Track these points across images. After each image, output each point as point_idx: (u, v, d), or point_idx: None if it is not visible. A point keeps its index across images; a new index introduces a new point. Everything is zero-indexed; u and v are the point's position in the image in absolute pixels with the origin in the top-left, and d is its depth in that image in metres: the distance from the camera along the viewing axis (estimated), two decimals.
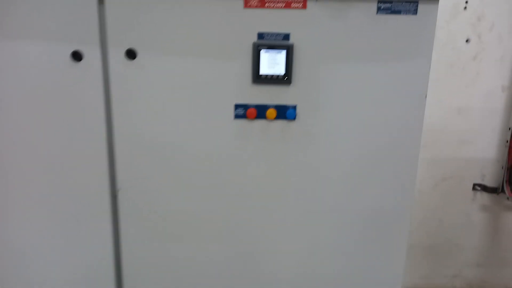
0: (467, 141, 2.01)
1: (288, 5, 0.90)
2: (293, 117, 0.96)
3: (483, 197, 2.09)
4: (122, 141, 0.96)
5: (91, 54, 0.90)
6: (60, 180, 0.98)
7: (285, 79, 0.93)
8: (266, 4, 0.90)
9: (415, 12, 0.91)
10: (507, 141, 1.99)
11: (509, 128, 1.98)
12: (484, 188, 2.05)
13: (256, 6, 0.90)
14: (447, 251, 2.16)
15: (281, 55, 0.92)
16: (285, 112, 0.96)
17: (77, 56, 0.89)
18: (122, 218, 1.00)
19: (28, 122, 0.93)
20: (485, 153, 2.04)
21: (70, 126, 0.94)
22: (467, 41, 1.91)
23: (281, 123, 0.97)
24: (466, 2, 1.88)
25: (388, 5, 0.91)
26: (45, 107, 0.93)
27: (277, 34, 0.91)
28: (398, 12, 0.91)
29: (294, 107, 0.96)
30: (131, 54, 0.90)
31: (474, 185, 2.06)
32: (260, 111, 0.96)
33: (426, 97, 0.97)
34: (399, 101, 0.96)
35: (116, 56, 0.91)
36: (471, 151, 2.03)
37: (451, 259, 2.18)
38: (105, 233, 1.01)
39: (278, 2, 0.90)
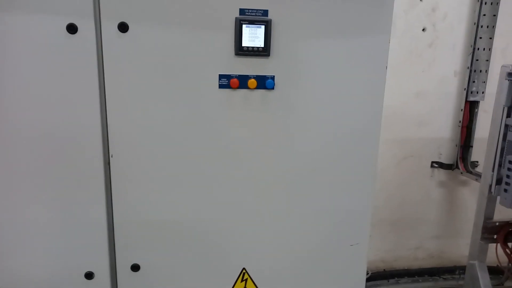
0: (424, 122, 2.19)
1: None
2: (271, 87, 1.07)
3: (440, 174, 2.28)
4: (114, 109, 1.03)
5: (86, 27, 0.97)
6: (54, 151, 1.03)
7: (264, 52, 1.04)
8: None
9: None
10: (459, 122, 2.20)
11: (461, 110, 2.19)
12: (441, 165, 2.24)
13: None
14: (409, 225, 2.34)
15: (261, 30, 1.02)
16: (264, 82, 1.06)
17: (72, 28, 0.96)
18: (114, 182, 1.07)
19: (24, 91, 0.98)
20: (441, 133, 2.23)
21: (65, 96, 1.00)
22: (423, 30, 2.09)
23: (261, 92, 1.07)
24: None
25: None
26: (42, 77, 0.98)
27: (257, 10, 1.02)
28: None
29: (273, 77, 1.07)
30: (123, 27, 0.98)
31: (432, 162, 2.25)
32: (242, 81, 1.06)
33: (386, 68, 1.10)
34: (364, 71, 1.09)
35: (109, 28, 0.98)
36: (429, 132, 2.21)
37: (413, 233, 2.36)
38: (98, 196, 1.07)
39: None
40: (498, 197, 1.66)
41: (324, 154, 1.14)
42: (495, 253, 1.84)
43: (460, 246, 2.37)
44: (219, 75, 1.05)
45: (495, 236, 1.77)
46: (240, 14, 1.02)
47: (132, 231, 1.11)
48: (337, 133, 1.13)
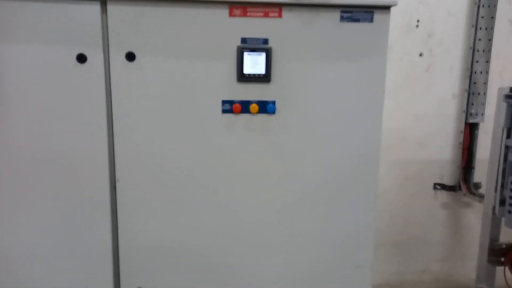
0: (425, 144, 2.21)
1: (266, 14, 1.06)
2: (273, 111, 1.10)
3: (443, 195, 2.28)
4: (121, 134, 1.06)
5: (94, 56, 1.02)
6: (63, 175, 1.06)
7: (265, 78, 1.08)
8: (248, 13, 1.05)
9: (371, 20, 1.09)
10: (460, 143, 2.21)
11: (461, 132, 2.21)
12: (443, 186, 2.24)
13: (240, 15, 1.05)
14: (414, 247, 2.31)
15: (261, 57, 1.07)
16: (266, 107, 1.10)
17: (81, 58, 1.01)
18: (120, 206, 1.09)
19: (34, 118, 1.02)
20: (442, 154, 2.25)
21: (74, 122, 1.04)
22: (420, 54, 2.14)
23: (262, 116, 1.11)
24: (418, 21, 2.12)
25: (349, 14, 1.08)
26: (51, 105, 1.02)
27: (258, 39, 1.07)
28: (357, 20, 1.09)
29: (274, 102, 1.10)
30: (130, 56, 1.03)
31: (435, 184, 2.25)
32: (244, 106, 1.09)
33: (384, 92, 1.14)
34: (363, 95, 1.13)
35: (117, 58, 1.03)
36: (429, 153, 2.23)
37: (418, 255, 2.33)
38: (104, 220, 1.09)
39: (258, 12, 1.05)
40: (503, 219, 1.65)
41: (325, 177, 1.16)
42: (503, 275, 1.81)
43: (467, 269, 2.33)
44: (222, 100, 1.08)
45: (502, 259, 1.75)
46: (241, 43, 1.06)
47: (137, 255, 1.12)
48: (337, 155, 1.15)
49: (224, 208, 1.14)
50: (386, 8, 1.10)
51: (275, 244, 1.18)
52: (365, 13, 1.08)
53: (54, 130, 1.03)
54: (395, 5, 1.09)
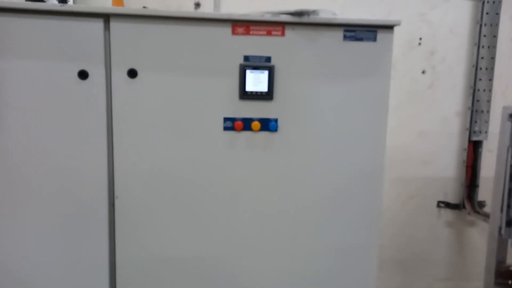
0: (428, 161, 2.19)
1: (269, 33, 1.06)
2: (275, 129, 1.09)
3: (447, 214, 2.25)
4: (121, 151, 1.05)
5: (96, 73, 1.01)
6: (61, 192, 1.05)
7: (267, 95, 1.07)
8: (251, 32, 1.05)
9: (374, 39, 1.09)
10: (464, 161, 2.19)
11: (465, 149, 2.19)
12: (447, 205, 2.22)
13: (242, 33, 1.05)
14: (417, 266, 2.27)
15: (264, 75, 1.06)
16: (268, 124, 1.09)
17: (83, 74, 1.00)
18: (118, 223, 1.07)
19: (34, 134, 1.02)
20: (445, 172, 2.22)
21: (74, 139, 1.03)
22: (423, 72, 2.14)
23: (264, 134, 1.10)
24: (420, 38, 2.12)
25: (352, 33, 1.08)
26: (52, 121, 1.02)
27: (260, 57, 1.06)
28: (360, 39, 1.09)
29: (276, 120, 1.09)
30: (132, 73, 1.02)
31: (438, 202, 2.22)
32: (246, 124, 1.08)
33: (388, 111, 1.13)
34: (366, 113, 1.12)
35: (119, 74, 1.02)
36: (433, 171, 2.20)
37: (421, 274, 2.29)
38: (101, 239, 1.07)
39: (261, 30, 1.05)
40: (510, 240, 1.62)
41: (328, 195, 1.14)
42: None
43: None
44: (224, 118, 1.08)
45: (510, 282, 1.71)
46: (244, 61, 1.06)
47: (134, 273, 1.10)
48: (341, 174, 1.14)
49: (226, 225, 1.12)
50: (390, 27, 1.09)
51: (276, 260, 1.15)
52: (368, 32, 1.08)
53: (54, 146, 1.03)
54: (398, 24, 1.09)
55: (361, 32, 1.08)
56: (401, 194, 2.19)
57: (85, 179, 1.05)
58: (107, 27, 1.01)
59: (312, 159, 1.12)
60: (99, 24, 1.00)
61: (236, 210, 1.11)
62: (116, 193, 1.06)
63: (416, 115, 2.15)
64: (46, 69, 1.00)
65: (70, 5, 0.98)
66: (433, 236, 2.24)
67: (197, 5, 1.84)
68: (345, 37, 1.08)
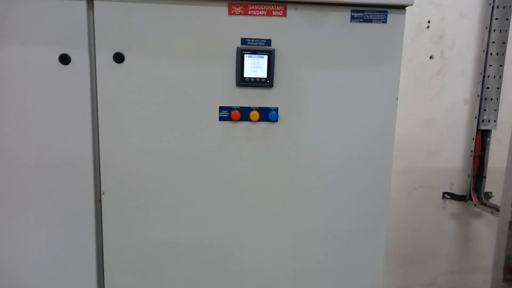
0: (435, 152, 2.11)
1: (269, 13, 0.96)
2: (275, 119, 1.00)
3: (453, 205, 2.18)
4: (108, 144, 0.97)
5: (79, 57, 0.92)
6: (46, 181, 0.97)
7: (267, 83, 0.98)
8: (249, 12, 0.95)
9: (385, 20, 1.00)
10: (471, 151, 2.11)
11: (473, 139, 2.11)
12: (453, 196, 2.14)
13: (240, 13, 0.95)
14: (421, 259, 2.22)
15: (263, 60, 0.97)
16: (267, 114, 1.00)
17: (65, 59, 0.91)
18: (105, 220, 1.00)
19: (15, 123, 0.93)
20: (452, 163, 2.14)
21: (56, 130, 0.95)
22: (431, 57, 2.04)
23: (264, 124, 1.01)
24: (429, 22, 2.02)
25: (360, 14, 0.99)
26: (31, 110, 0.93)
27: (260, 40, 0.97)
28: (369, 20, 0.99)
29: (276, 109, 1.00)
30: (119, 57, 0.93)
31: (444, 193, 2.15)
32: (244, 113, 1.00)
33: (397, 99, 1.04)
34: (373, 103, 1.03)
35: (104, 59, 0.93)
36: (439, 161, 2.13)
37: (426, 267, 2.24)
38: (88, 235, 1.00)
39: (260, 10, 0.96)
40: None
41: (332, 188, 1.06)
42: None
43: (476, 282, 2.24)
44: (220, 107, 0.99)
45: None
46: (242, 44, 0.97)
47: (122, 275, 1.02)
48: (346, 166, 1.05)
49: (222, 222, 1.04)
50: (401, 7, 1.00)
51: (278, 257, 1.08)
52: (378, 13, 0.99)
53: (33, 139, 0.94)
54: (411, 4, 0.99)
55: (370, 12, 0.98)
56: (406, 185, 2.12)
57: (69, 173, 0.96)
58: (90, 6, 0.92)
59: (316, 152, 1.03)
60: (81, 3, 0.91)
61: (234, 206, 1.03)
62: (103, 188, 0.98)
63: (423, 102, 2.07)
64: (23, 53, 0.91)
65: None
66: (437, 228, 2.18)
67: None
68: (352, 18, 0.98)
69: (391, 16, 0.99)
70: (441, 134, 2.10)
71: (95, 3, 0.91)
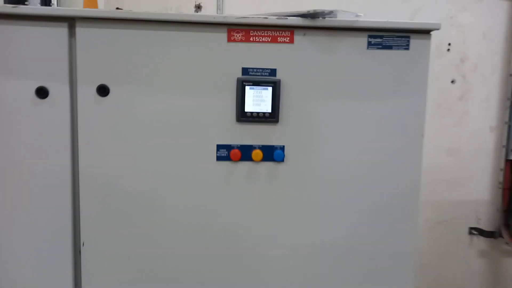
0: (458, 182, 1.95)
1: (274, 39, 0.84)
2: (281, 159, 0.88)
3: (480, 242, 1.99)
4: (89, 189, 0.85)
5: (58, 90, 0.82)
6: (24, 224, 0.85)
7: (272, 118, 0.86)
8: (251, 38, 0.84)
9: (407, 47, 0.87)
10: (500, 183, 1.94)
11: (501, 169, 1.94)
12: (481, 232, 1.96)
13: (241, 40, 0.84)
14: None
15: (267, 92, 0.85)
16: (272, 153, 0.88)
17: (42, 92, 0.81)
18: (85, 273, 0.87)
19: None
20: (478, 195, 1.98)
21: (34, 171, 0.83)
22: (452, 81, 1.91)
23: (268, 165, 0.88)
24: (449, 44, 1.90)
25: (378, 40, 0.86)
26: (8, 147, 0.82)
27: (263, 70, 0.85)
28: (389, 47, 0.87)
29: (282, 148, 0.88)
30: (103, 90, 0.82)
31: (470, 229, 1.98)
32: (245, 152, 0.87)
33: (423, 136, 0.90)
34: (394, 141, 0.89)
35: (86, 92, 0.82)
36: (464, 193, 1.96)
37: None
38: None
39: (263, 36, 0.84)
40: None
41: (348, 237, 0.92)
42: None
43: None
44: (217, 145, 0.87)
45: None
46: (243, 74, 0.85)
47: None
48: (363, 212, 0.91)
49: (221, 276, 0.90)
50: (426, 32, 0.88)
51: None
52: (400, 39, 0.86)
53: (8, 185, 0.83)
54: (437, 29, 0.87)
55: (390, 38, 0.86)
56: (428, 219, 1.95)
57: (47, 225, 0.85)
58: (72, 33, 0.82)
59: (328, 198, 0.90)
60: (62, 30, 0.81)
61: (234, 263, 0.90)
62: (83, 239, 0.86)
63: (445, 130, 1.92)
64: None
65: (25, 7, 0.79)
66: (464, 267, 1.99)
67: (198, 7, 1.65)
68: (369, 45, 0.86)
69: (414, 42, 0.87)
70: (465, 163, 1.95)
71: (77, 29, 0.81)
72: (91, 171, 0.84)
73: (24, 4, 1.33)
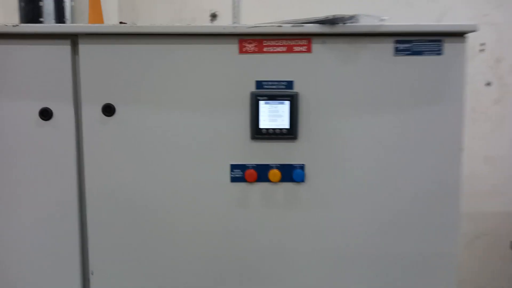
0: (498, 192, 1.81)
1: (290, 49, 0.77)
2: (301, 179, 0.80)
3: None
4: (97, 215, 0.80)
5: (62, 111, 0.78)
6: (29, 253, 0.81)
7: (290, 134, 0.79)
8: (265, 49, 0.77)
9: (439, 52, 0.78)
10: None
11: None
12: None
13: (253, 51, 0.77)
14: None
15: (284, 106, 0.78)
16: (291, 173, 0.80)
17: (45, 113, 0.77)
18: None
19: None
20: None
21: (40, 196, 0.79)
22: (487, 84, 1.78)
23: (287, 186, 0.81)
24: (483, 44, 1.77)
25: (407, 45, 0.77)
26: (12, 172, 0.79)
27: (279, 82, 0.78)
28: (419, 53, 0.78)
29: (302, 167, 0.80)
30: (108, 109, 0.78)
31: None
32: (261, 173, 0.80)
33: (462, 150, 0.80)
34: (428, 157, 0.80)
35: (91, 112, 0.78)
36: (505, 204, 1.82)
37: None
38: None
39: (278, 46, 0.77)
40: None
41: (377, 271, 0.83)
42: None
43: None
44: (231, 165, 0.80)
45: None
46: (256, 88, 0.78)
47: None
48: (393, 243, 0.82)
49: None
50: (460, 35, 0.78)
51: None
52: (431, 43, 0.77)
53: (12, 211, 0.79)
54: (473, 30, 0.78)
55: (420, 43, 0.77)
56: (465, 233, 1.81)
57: (52, 253, 0.80)
58: (75, 51, 0.77)
59: (354, 221, 0.81)
60: (64, 47, 0.77)
61: None
62: (92, 267, 0.81)
63: (481, 136, 1.79)
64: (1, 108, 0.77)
65: (25, 25, 0.75)
66: (507, 284, 1.84)
67: (214, 16, 1.60)
68: (397, 51, 0.77)
69: (448, 46, 0.77)
70: (505, 172, 1.81)
71: (81, 47, 0.77)
72: (99, 196, 0.79)
73: (39, 22, 1.33)
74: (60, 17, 1.37)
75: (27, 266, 0.81)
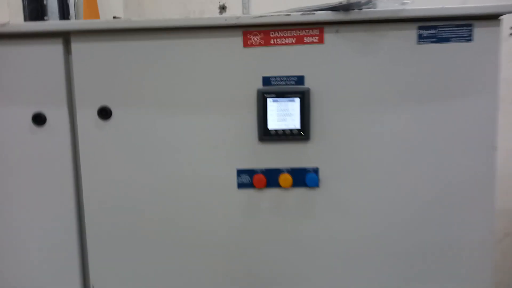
0: None
1: (300, 40, 0.70)
2: (315, 184, 0.73)
3: None
4: (95, 224, 0.75)
5: (56, 116, 0.72)
6: (27, 264, 0.77)
7: (301, 135, 0.71)
8: (272, 41, 0.70)
9: (469, 38, 0.69)
10: None
11: None
12: None
13: (259, 44, 0.70)
14: None
15: (294, 104, 0.71)
16: (304, 177, 0.73)
17: (39, 119, 0.72)
18: None
19: None
20: None
21: (36, 206, 0.75)
22: None
23: (299, 192, 0.74)
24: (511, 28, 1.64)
25: (432, 31, 0.69)
26: (5, 181, 0.74)
27: (288, 78, 0.71)
28: (446, 39, 0.69)
29: (316, 170, 0.73)
30: (104, 112, 0.72)
31: None
32: (271, 178, 0.73)
33: (496, 149, 0.71)
34: (457, 157, 0.71)
35: (87, 116, 0.72)
36: None
37: None
38: None
39: (286, 38, 0.70)
40: None
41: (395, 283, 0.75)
42: None
43: None
44: (238, 170, 0.73)
45: None
46: (263, 85, 0.71)
47: None
48: (417, 255, 0.74)
49: None
50: (494, 17, 0.69)
51: None
52: (459, 28, 0.68)
53: (5, 219, 0.75)
54: (509, 12, 0.68)
55: (446, 28, 0.68)
56: (495, 231, 1.70)
57: (50, 262, 0.76)
58: (68, 50, 0.72)
59: (374, 230, 0.73)
60: (56, 47, 0.71)
61: None
62: (92, 281, 0.76)
63: (510, 128, 1.66)
64: None
65: (14, 24, 0.70)
66: None
67: (223, 8, 1.53)
68: (420, 38, 0.69)
69: (479, 31, 0.68)
70: None
71: (73, 45, 0.71)
72: (96, 204, 0.74)
73: (43, 20, 1.29)
74: (65, 14, 1.32)
75: (25, 280, 0.77)
